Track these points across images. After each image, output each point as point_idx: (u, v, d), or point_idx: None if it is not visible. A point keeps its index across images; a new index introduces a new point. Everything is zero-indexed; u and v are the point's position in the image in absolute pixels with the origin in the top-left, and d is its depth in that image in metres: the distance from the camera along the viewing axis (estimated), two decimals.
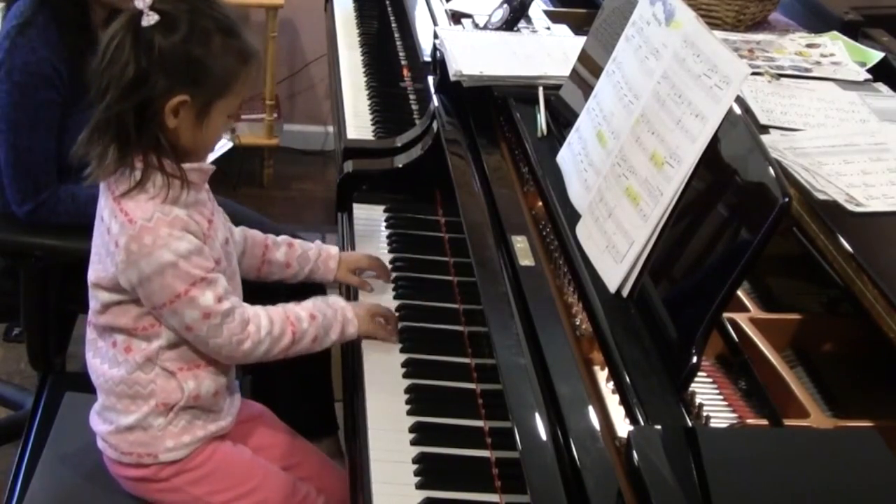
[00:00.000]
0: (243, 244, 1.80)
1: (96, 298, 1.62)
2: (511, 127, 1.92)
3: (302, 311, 1.66)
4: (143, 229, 1.51)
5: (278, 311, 1.64)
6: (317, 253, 1.87)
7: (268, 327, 1.61)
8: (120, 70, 1.48)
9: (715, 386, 1.35)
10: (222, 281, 1.58)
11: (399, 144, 2.20)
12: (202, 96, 1.52)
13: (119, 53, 1.49)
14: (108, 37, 1.51)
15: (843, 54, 2.06)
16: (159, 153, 1.53)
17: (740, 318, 1.42)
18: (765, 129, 1.71)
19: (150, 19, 1.47)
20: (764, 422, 1.27)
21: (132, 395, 1.62)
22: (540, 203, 1.73)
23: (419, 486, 1.47)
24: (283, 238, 1.86)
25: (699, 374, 1.30)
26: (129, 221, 1.51)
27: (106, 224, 1.57)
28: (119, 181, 1.54)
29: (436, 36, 2.17)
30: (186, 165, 1.55)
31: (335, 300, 1.72)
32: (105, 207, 1.58)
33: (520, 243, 1.62)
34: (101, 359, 1.65)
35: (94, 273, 1.62)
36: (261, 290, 1.82)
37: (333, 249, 1.89)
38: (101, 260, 1.59)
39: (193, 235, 1.54)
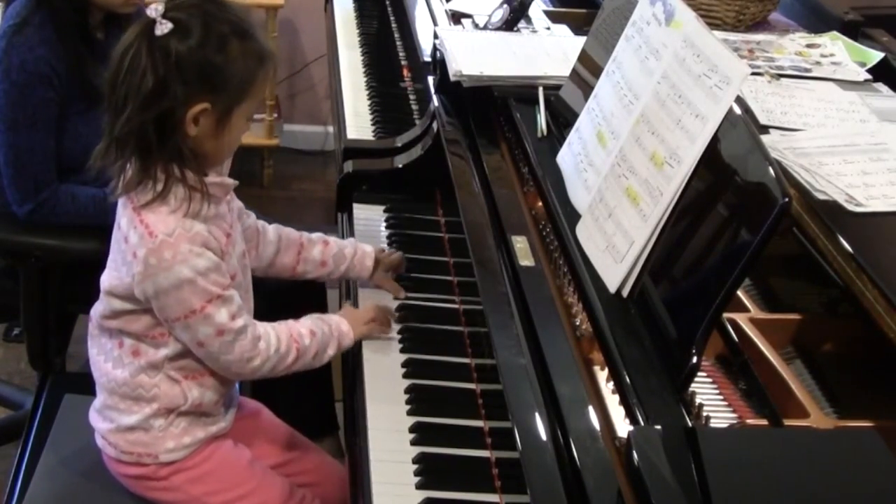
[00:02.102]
0: (277, 243, 1.79)
1: (108, 304, 1.61)
2: (511, 127, 1.92)
3: (303, 328, 1.66)
4: (164, 244, 1.49)
5: (283, 328, 1.64)
6: (352, 251, 1.85)
7: (276, 345, 1.61)
8: (138, 81, 1.45)
9: (715, 386, 1.35)
10: (237, 298, 1.57)
11: (399, 144, 2.19)
12: (223, 102, 1.50)
13: (135, 64, 1.45)
14: (122, 48, 1.48)
15: (843, 54, 2.06)
16: (181, 163, 1.50)
17: (740, 318, 1.42)
18: (765, 129, 1.71)
19: (163, 28, 1.45)
20: (764, 422, 1.27)
21: (135, 397, 1.62)
22: (540, 203, 1.73)
23: (419, 486, 1.47)
24: (317, 236, 1.85)
25: (699, 374, 1.30)
26: (149, 234, 1.50)
27: (124, 233, 1.55)
28: (140, 191, 1.52)
29: (436, 36, 2.17)
30: (208, 180, 1.53)
31: (330, 316, 1.72)
32: (123, 216, 1.56)
33: (520, 243, 1.62)
34: (106, 357, 1.65)
35: (107, 280, 1.60)
36: (267, 301, 1.80)
37: (368, 248, 1.87)
38: (117, 268, 1.58)
39: (212, 252, 1.53)
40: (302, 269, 1.82)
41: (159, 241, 1.49)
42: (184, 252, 1.50)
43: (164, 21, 1.45)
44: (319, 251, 1.83)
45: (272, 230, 1.78)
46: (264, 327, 1.62)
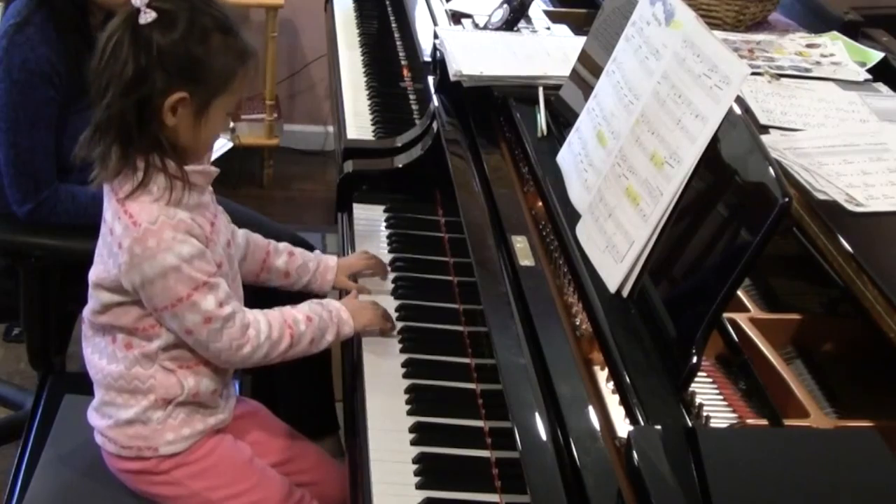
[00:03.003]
0: (245, 248, 1.80)
1: (97, 299, 1.62)
2: (511, 127, 1.92)
3: (298, 314, 1.66)
4: (147, 232, 1.50)
5: (276, 314, 1.65)
6: (315, 264, 1.87)
7: (266, 332, 1.61)
8: (119, 68, 1.48)
9: (715, 386, 1.35)
10: (224, 285, 1.58)
11: (399, 144, 2.20)
12: (201, 94, 1.51)
13: (118, 52, 1.48)
14: (106, 35, 1.50)
15: (843, 54, 2.06)
16: (161, 153, 1.52)
17: (740, 318, 1.42)
18: (765, 129, 1.71)
19: (147, 17, 1.47)
20: (764, 422, 1.27)
21: (131, 390, 1.63)
22: (540, 203, 1.73)
23: (419, 486, 1.47)
24: (284, 246, 1.87)
25: (699, 374, 1.30)
26: (133, 224, 1.51)
27: (109, 225, 1.57)
28: (122, 183, 1.54)
29: (436, 36, 2.17)
30: (190, 168, 1.55)
31: (330, 302, 1.72)
32: (108, 209, 1.58)
33: (520, 243, 1.62)
34: (100, 354, 1.66)
35: (95, 273, 1.62)
36: (260, 291, 1.82)
37: (332, 260, 1.89)
38: (104, 261, 1.59)
39: (196, 239, 1.54)
40: (265, 276, 1.84)
41: (143, 229, 1.51)
42: (167, 239, 1.51)
43: (148, 10, 1.47)
44: (284, 261, 1.85)
45: (241, 235, 1.80)
46: (254, 314, 1.62)
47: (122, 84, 1.48)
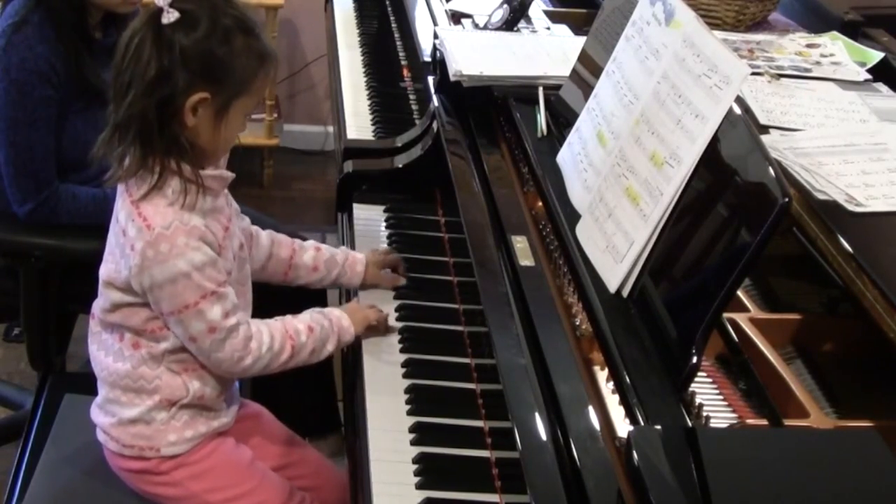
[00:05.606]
0: (270, 248, 1.80)
1: (107, 297, 1.62)
2: (511, 127, 1.92)
3: (300, 324, 1.66)
4: (161, 236, 1.50)
5: (278, 325, 1.65)
6: (344, 257, 1.86)
7: (268, 343, 1.61)
8: (142, 68, 1.48)
9: (715, 386, 1.35)
10: (231, 296, 1.58)
11: (399, 144, 2.20)
12: (222, 95, 1.52)
13: (140, 51, 1.48)
14: (129, 34, 1.51)
15: (843, 54, 2.06)
16: (178, 156, 1.52)
17: (740, 318, 1.42)
18: (765, 129, 1.71)
19: (170, 17, 1.47)
20: (764, 422, 1.27)
21: (136, 389, 1.62)
22: (540, 203, 1.73)
23: (419, 486, 1.47)
24: (310, 243, 1.86)
25: (699, 374, 1.30)
26: (146, 227, 1.51)
27: (122, 226, 1.56)
28: (137, 184, 1.54)
29: (436, 36, 2.17)
30: (206, 172, 1.54)
31: (331, 310, 1.72)
32: (122, 209, 1.57)
33: (520, 243, 1.62)
34: (106, 352, 1.65)
35: (106, 272, 1.61)
36: (262, 295, 1.81)
37: (359, 254, 1.88)
38: (116, 260, 1.59)
39: (209, 246, 1.54)
40: (293, 274, 1.83)
41: (156, 233, 1.50)
42: (180, 245, 1.51)
43: (171, 10, 1.47)
44: (311, 256, 1.84)
45: (265, 235, 1.80)
46: (257, 326, 1.62)
47: (145, 83, 1.48)
